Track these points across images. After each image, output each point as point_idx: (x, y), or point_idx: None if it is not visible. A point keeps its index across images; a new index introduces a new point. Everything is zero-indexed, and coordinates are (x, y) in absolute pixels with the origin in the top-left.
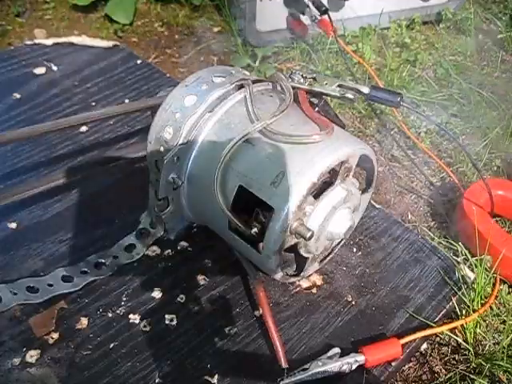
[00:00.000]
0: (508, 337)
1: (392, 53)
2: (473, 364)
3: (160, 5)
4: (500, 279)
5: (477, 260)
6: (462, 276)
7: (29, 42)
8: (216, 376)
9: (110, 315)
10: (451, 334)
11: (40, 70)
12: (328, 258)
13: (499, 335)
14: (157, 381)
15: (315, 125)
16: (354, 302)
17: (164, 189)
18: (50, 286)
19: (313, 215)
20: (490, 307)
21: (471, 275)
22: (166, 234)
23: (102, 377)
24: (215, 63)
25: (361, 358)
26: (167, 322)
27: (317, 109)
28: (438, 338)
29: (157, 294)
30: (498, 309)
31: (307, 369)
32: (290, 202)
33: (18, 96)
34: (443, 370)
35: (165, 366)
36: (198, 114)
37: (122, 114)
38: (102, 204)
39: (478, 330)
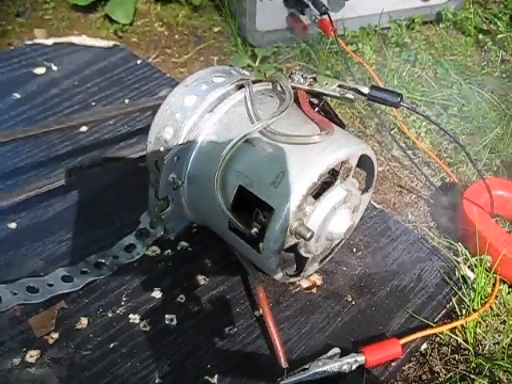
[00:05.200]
0: (508, 337)
1: (392, 53)
2: (473, 364)
3: (160, 5)
4: (500, 279)
5: (477, 260)
6: (462, 276)
7: (29, 42)
8: (216, 376)
9: (109, 315)
10: (451, 334)
11: (40, 70)
12: (328, 258)
13: (499, 335)
14: (157, 381)
15: (315, 125)
16: (353, 302)
17: (164, 189)
18: (50, 285)
19: (313, 215)
20: (490, 307)
21: (471, 275)
22: (165, 234)
23: (101, 377)
24: (215, 63)
25: (361, 358)
26: (167, 321)
27: (317, 109)
28: (438, 338)
29: (157, 293)
30: (498, 309)
31: (307, 369)
32: (290, 202)
33: (18, 96)
34: (443, 370)
35: (165, 365)
36: (198, 114)
37: (122, 114)
38: (102, 204)
39: (478, 330)
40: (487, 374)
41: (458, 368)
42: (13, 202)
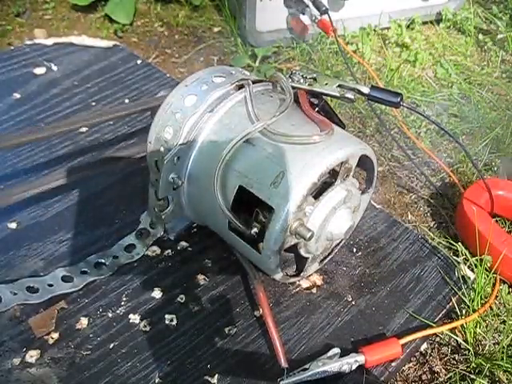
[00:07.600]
0: (508, 337)
1: (392, 53)
2: (473, 364)
3: (160, 5)
4: (500, 279)
5: (477, 260)
6: (462, 276)
7: (29, 42)
8: (216, 376)
9: (110, 315)
10: (451, 334)
11: (40, 70)
12: (328, 258)
13: (499, 335)
14: (157, 381)
15: (315, 125)
16: (353, 302)
17: (164, 189)
18: (50, 286)
19: (313, 215)
20: (490, 307)
21: (471, 275)
22: (166, 233)
23: (101, 377)
24: (215, 63)
25: (361, 358)
26: (167, 321)
27: (317, 109)
28: (437, 338)
29: (157, 293)
30: (498, 309)
31: (307, 369)
32: (290, 202)
33: (17, 96)
34: (443, 370)
35: (165, 366)
36: (198, 114)
37: (122, 115)
38: (102, 204)
39: (478, 330)
40: (487, 374)
41: (458, 368)
42: (12, 203)
